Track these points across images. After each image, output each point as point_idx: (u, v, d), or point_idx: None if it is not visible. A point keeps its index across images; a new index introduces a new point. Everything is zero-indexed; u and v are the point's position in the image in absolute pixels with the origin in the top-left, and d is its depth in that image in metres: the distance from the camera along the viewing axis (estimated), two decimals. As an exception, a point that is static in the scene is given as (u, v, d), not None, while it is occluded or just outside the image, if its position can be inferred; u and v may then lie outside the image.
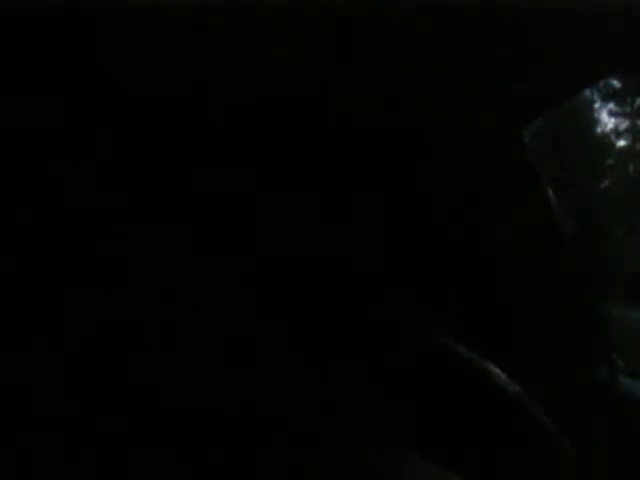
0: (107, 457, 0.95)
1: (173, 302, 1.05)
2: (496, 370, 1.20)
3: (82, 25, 0.83)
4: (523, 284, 1.24)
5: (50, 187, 0.94)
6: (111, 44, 0.87)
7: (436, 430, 1.16)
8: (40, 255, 0.95)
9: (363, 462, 1.14)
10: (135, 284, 1.02)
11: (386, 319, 1.19)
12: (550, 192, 1.18)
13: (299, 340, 1.10)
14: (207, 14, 0.85)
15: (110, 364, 0.99)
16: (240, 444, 1.05)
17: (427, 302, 1.22)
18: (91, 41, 0.86)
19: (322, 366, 1.12)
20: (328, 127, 1.04)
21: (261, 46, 0.90)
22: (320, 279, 1.15)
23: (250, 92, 0.98)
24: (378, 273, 1.18)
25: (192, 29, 0.88)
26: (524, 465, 1.19)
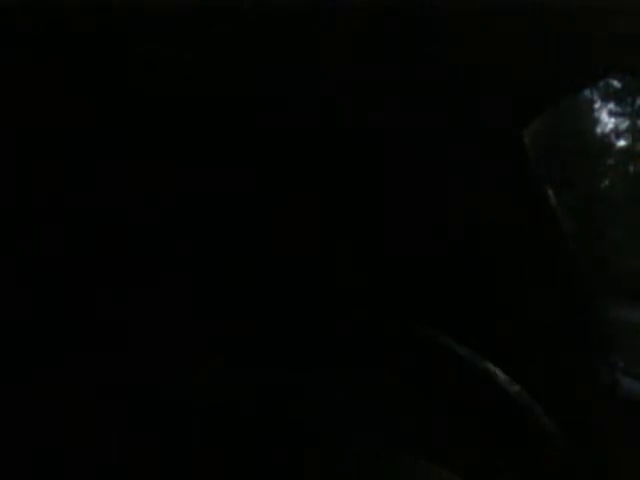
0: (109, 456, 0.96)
1: (174, 303, 1.05)
2: (496, 370, 1.20)
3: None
4: (523, 284, 1.24)
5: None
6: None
7: (436, 430, 1.16)
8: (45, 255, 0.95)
9: (363, 462, 1.14)
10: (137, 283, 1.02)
11: (385, 319, 1.19)
12: (550, 192, 1.18)
13: (298, 341, 1.10)
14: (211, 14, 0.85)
15: (113, 363, 0.99)
16: (241, 444, 1.05)
17: (426, 302, 1.22)
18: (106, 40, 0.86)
19: (321, 367, 1.12)
20: (327, 128, 1.04)
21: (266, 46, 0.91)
22: (319, 281, 1.15)
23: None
24: (374, 271, 1.18)
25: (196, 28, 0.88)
26: (524, 465, 1.19)
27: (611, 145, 8.68)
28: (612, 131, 8.60)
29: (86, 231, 0.98)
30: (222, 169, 1.04)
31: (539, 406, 1.20)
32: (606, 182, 8.53)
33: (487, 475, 1.17)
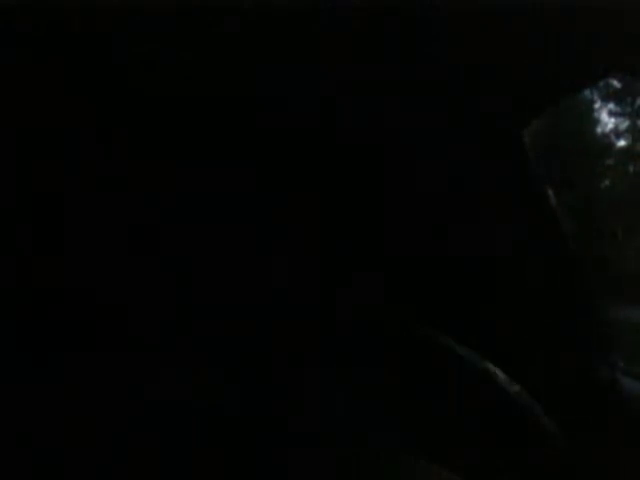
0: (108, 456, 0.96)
1: (176, 304, 1.05)
2: (496, 370, 1.20)
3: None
4: (523, 284, 1.24)
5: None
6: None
7: (436, 430, 1.16)
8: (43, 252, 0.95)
9: (364, 462, 1.14)
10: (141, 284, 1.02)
11: (386, 321, 1.19)
12: (550, 192, 1.18)
13: (298, 343, 1.10)
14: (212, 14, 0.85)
15: (113, 363, 0.99)
16: (240, 444, 1.05)
17: (427, 302, 1.22)
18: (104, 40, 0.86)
19: (322, 368, 1.12)
20: (328, 130, 1.04)
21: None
22: (319, 281, 1.15)
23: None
24: (375, 272, 1.18)
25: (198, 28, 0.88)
26: (524, 465, 1.19)
27: (611, 145, 8.69)
28: (612, 131, 8.61)
29: (85, 229, 0.98)
30: (222, 169, 1.04)
31: (539, 406, 1.20)
32: (606, 182, 8.53)
33: (487, 475, 1.17)
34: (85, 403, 0.96)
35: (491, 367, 1.20)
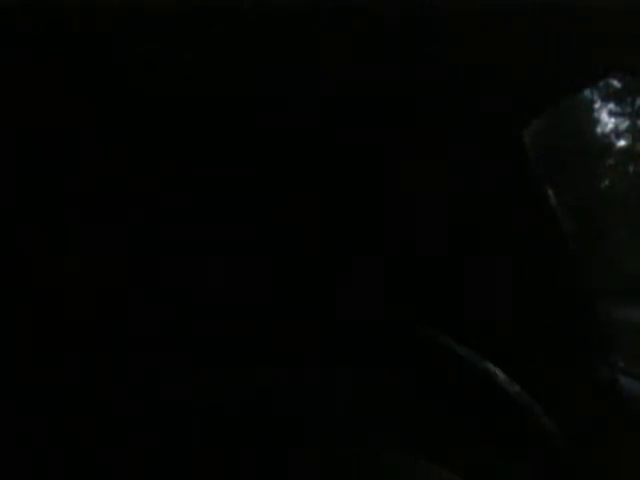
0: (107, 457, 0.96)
1: (176, 301, 1.05)
2: (496, 370, 1.20)
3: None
4: (523, 284, 1.24)
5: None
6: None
7: (436, 430, 1.16)
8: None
9: (364, 462, 1.14)
10: (137, 283, 1.02)
11: (385, 319, 1.19)
12: (550, 192, 1.18)
13: (299, 340, 1.10)
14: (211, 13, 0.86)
15: (110, 362, 0.99)
16: (240, 445, 1.05)
17: (427, 302, 1.22)
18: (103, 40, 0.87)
19: (321, 367, 1.12)
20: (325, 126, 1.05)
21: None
22: (319, 282, 1.15)
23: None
24: (375, 272, 1.18)
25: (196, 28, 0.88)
26: (524, 465, 1.19)
27: (611, 145, 8.68)
28: (612, 131, 8.61)
29: (85, 229, 0.98)
30: (222, 169, 1.04)
31: (539, 406, 1.20)
32: (606, 182, 8.53)
33: (487, 475, 1.17)
34: (84, 403, 0.96)
35: (491, 367, 1.20)
